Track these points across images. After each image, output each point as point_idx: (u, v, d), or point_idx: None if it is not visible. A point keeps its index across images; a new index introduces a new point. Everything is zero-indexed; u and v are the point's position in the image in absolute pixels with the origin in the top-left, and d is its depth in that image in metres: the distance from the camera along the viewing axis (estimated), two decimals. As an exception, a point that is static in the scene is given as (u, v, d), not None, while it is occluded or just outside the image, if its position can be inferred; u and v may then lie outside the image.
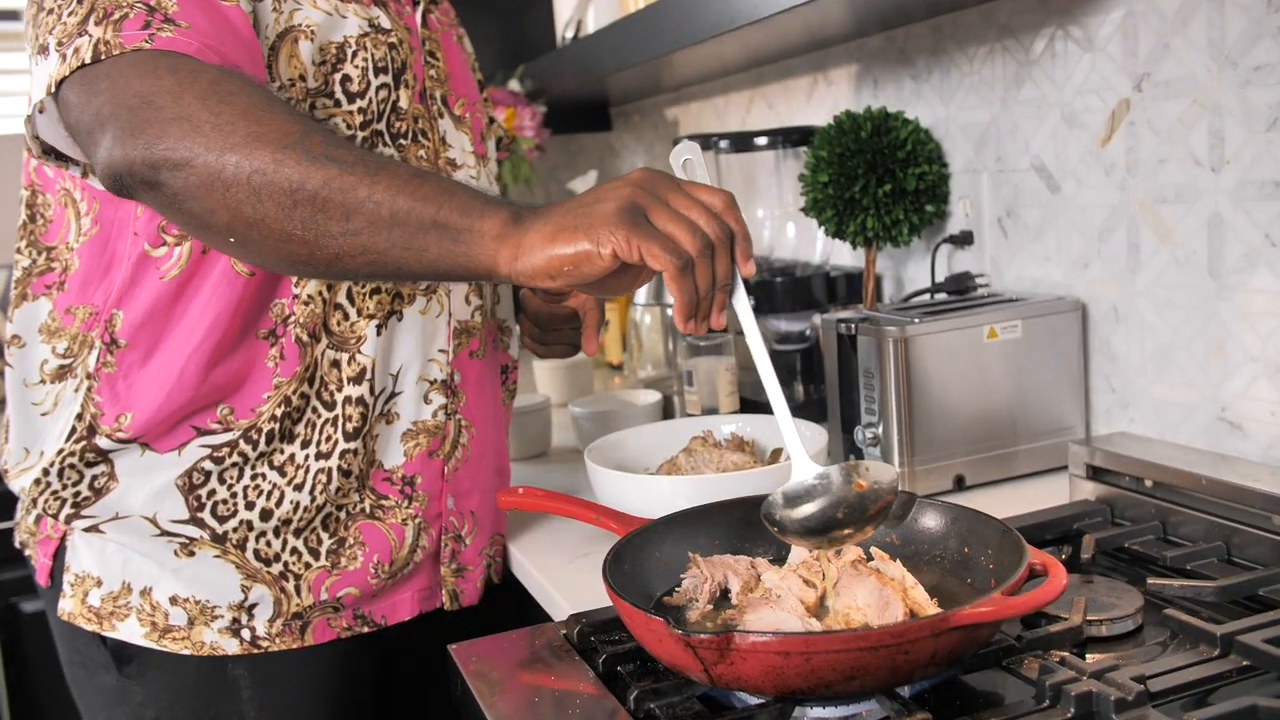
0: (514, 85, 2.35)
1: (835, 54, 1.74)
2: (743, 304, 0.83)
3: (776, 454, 1.21)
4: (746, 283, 0.83)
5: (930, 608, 0.82)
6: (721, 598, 0.90)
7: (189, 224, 0.85)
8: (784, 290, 1.62)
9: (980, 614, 0.71)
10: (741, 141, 1.62)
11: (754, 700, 0.77)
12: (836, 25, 1.53)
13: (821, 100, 1.82)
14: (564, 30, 2.18)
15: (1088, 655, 0.82)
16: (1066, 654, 0.80)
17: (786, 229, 1.70)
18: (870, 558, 0.89)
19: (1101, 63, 1.21)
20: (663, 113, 2.52)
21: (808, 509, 0.85)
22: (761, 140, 1.60)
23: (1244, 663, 0.76)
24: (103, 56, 0.83)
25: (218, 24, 0.88)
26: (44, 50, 0.87)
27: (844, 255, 1.70)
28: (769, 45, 1.72)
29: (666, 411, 1.57)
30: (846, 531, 0.84)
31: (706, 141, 1.69)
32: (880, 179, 1.42)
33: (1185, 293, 1.14)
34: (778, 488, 0.87)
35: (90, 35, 0.84)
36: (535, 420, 1.54)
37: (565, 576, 1.07)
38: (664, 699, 0.77)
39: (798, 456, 0.86)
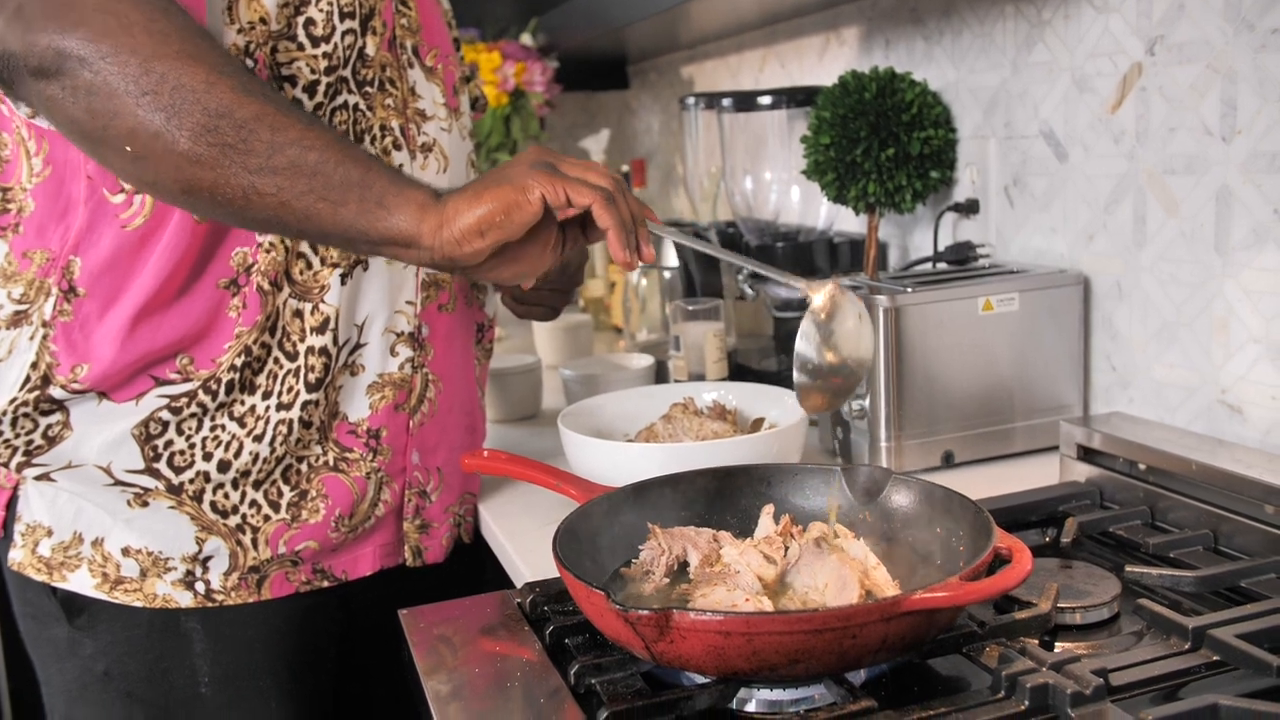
0: (526, 39, 2.31)
1: (847, 12, 1.69)
2: (657, 227, 0.90)
3: (758, 424, 1.18)
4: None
5: (889, 589, 0.78)
6: (680, 571, 0.87)
7: (76, 125, 0.81)
8: (785, 256, 1.58)
9: (932, 599, 0.68)
10: (745, 101, 1.57)
11: (699, 680, 0.74)
12: (847, -20, 1.48)
13: (834, 60, 1.76)
14: (576, -17, 2.13)
15: (1057, 644, 0.79)
16: (1033, 642, 0.76)
17: (791, 193, 1.65)
18: (835, 535, 0.86)
19: (1114, 24, 1.15)
20: (678, 71, 2.47)
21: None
22: (765, 100, 1.55)
23: (1214, 658, 0.72)
24: None
25: None
26: None
27: (849, 221, 1.66)
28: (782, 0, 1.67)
29: (661, 376, 1.54)
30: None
31: (710, 100, 1.65)
32: (883, 142, 1.37)
33: (1190, 269, 1.09)
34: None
35: None
36: (524, 382, 1.51)
37: (531, 543, 1.05)
38: (605, 675, 0.74)
39: (802, 284, 0.93)
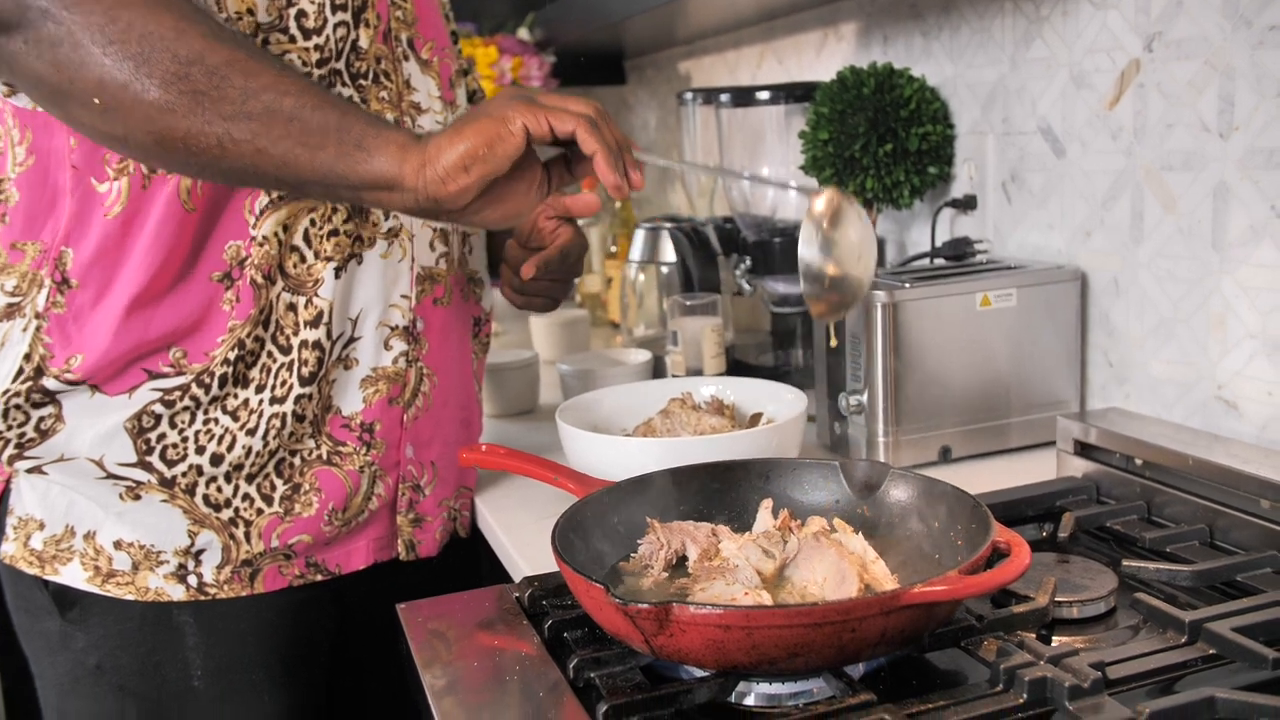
0: (523, 34, 2.31)
1: (845, 8, 1.68)
2: (642, 154, 0.88)
3: (756, 418, 1.18)
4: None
5: (888, 583, 0.78)
6: (679, 565, 0.87)
7: (41, 80, 0.79)
8: (782, 251, 1.57)
9: (931, 593, 0.68)
10: (743, 96, 1.57)
11: (698, 673, 0.74)
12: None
13: (832, 56, 1.76)
14: (573, -23, 2.12)
15: (1055, 638, 0.79)
16: (1031, 636, 0.76)
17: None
18: (834, 529, 0.85)
19: (1112, 20, 1.15)
20: (675, 67, 2.46)
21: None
22: (763, 95, 1.55)
23: (1210, 651, 0.72)
24: None
25: None
26: None
27: (846, 217, 1.65)
28: (778, -5, 1.66)
29: (658, 371, 1.54)
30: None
31: (708, 96, 1.64)
32: (882, 138, 1.37)
33: (1188, 265, 1.09)
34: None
35: None
36: (521, 377, 1.51)
37: (528, 537, 1.04)
38: (605, 669, 0.74)
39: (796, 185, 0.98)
